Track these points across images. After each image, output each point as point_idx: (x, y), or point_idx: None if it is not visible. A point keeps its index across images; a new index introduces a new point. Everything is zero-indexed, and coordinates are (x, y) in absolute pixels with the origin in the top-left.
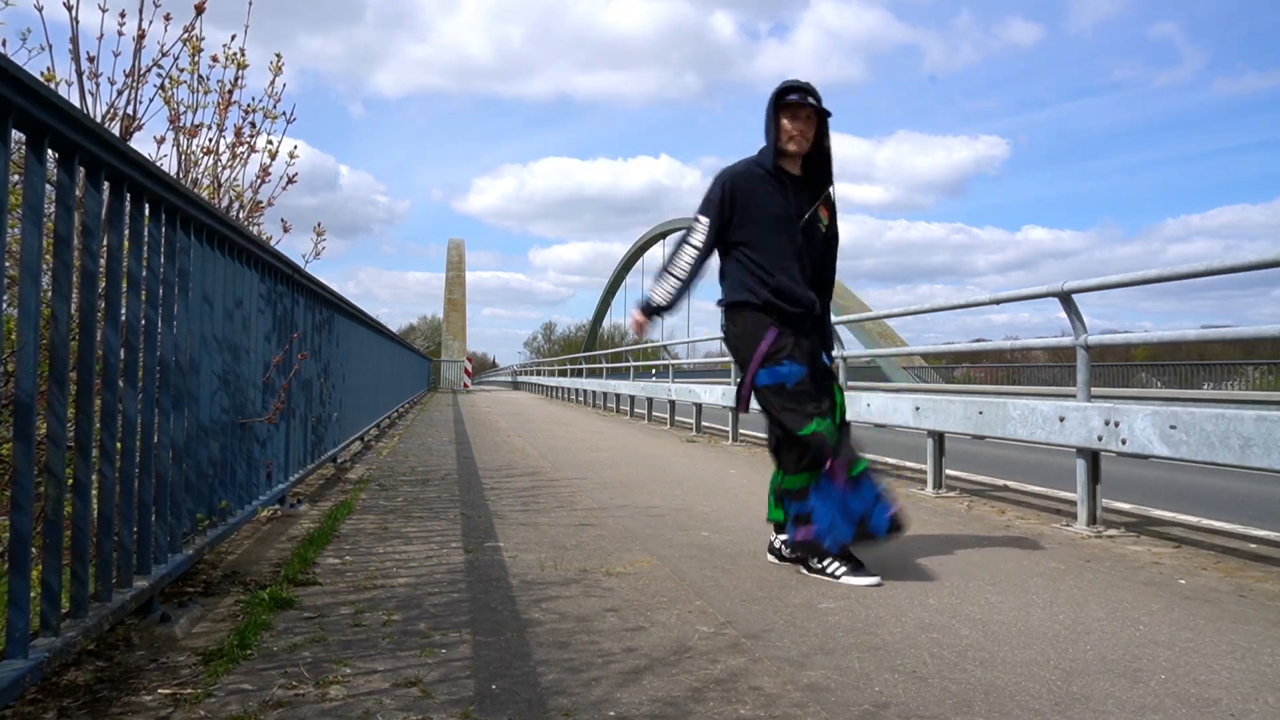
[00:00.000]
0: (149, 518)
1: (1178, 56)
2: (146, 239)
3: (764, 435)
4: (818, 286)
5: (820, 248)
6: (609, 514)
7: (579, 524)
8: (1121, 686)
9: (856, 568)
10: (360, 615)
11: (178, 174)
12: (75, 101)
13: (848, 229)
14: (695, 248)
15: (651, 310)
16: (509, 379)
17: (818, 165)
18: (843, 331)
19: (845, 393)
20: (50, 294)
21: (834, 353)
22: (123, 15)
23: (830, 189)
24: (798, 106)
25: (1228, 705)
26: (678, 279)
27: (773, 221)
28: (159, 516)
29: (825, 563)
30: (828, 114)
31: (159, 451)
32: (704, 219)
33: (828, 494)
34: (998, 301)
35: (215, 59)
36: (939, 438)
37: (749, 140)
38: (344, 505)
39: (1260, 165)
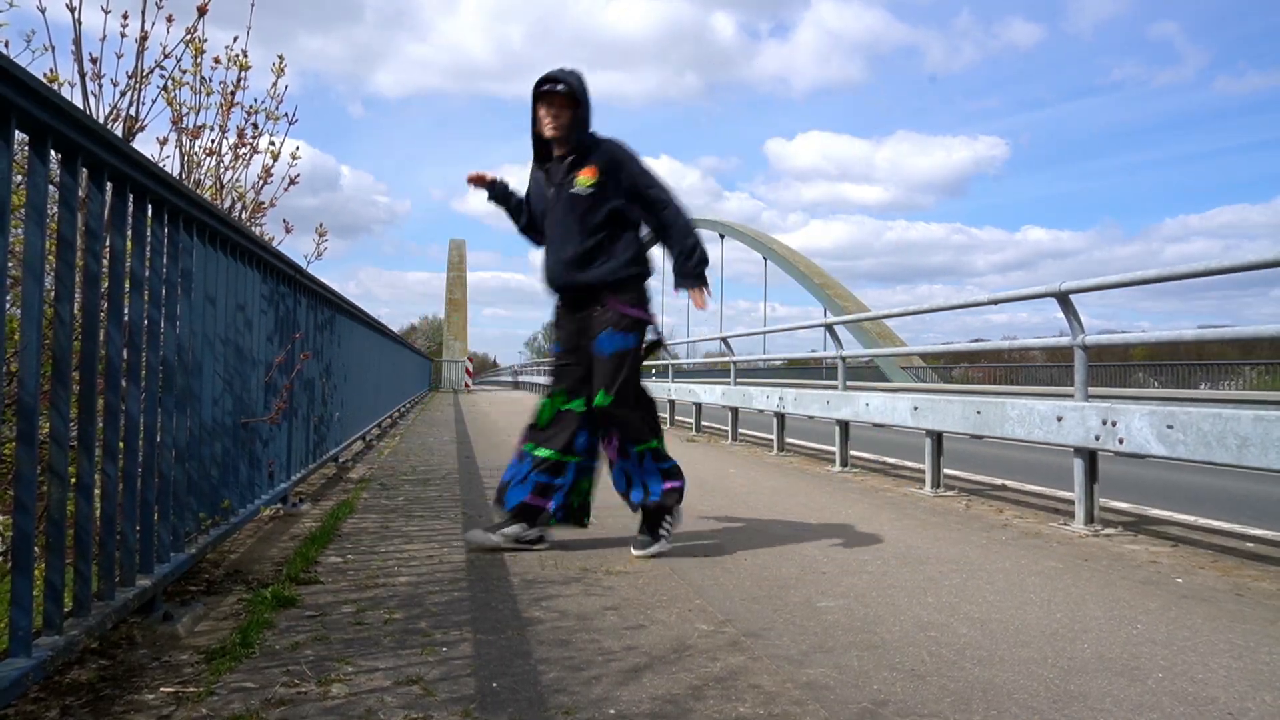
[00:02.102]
0: (151, 516)
1: (1178, 56)
2: (149, 240)
3: (764, 435)
4: (579, 259)
5: (581, 213)
6: (609, 513)
7: None
8: (1119, 685)
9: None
10: (362, 614)
11: (180, 175)
12: (78, 103)
13: (846, 229)
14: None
15: (494, 185)
16: (510, 379)
17: (578, 137)
18: (842, 332)
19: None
20: (53, 294)
21: (835, 353)
22: (125, 16)
23: (596, 151)
24: (550, 95)
25: (1225, 703)
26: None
27: (541, 206)
28: (162, 515)
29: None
30: (572, 93)
31: (162, 451)
32: None
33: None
34: (996, 302)
35: (217, 60)
36: (937, 437)
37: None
38: (346, 504)
39: (1260, 165)
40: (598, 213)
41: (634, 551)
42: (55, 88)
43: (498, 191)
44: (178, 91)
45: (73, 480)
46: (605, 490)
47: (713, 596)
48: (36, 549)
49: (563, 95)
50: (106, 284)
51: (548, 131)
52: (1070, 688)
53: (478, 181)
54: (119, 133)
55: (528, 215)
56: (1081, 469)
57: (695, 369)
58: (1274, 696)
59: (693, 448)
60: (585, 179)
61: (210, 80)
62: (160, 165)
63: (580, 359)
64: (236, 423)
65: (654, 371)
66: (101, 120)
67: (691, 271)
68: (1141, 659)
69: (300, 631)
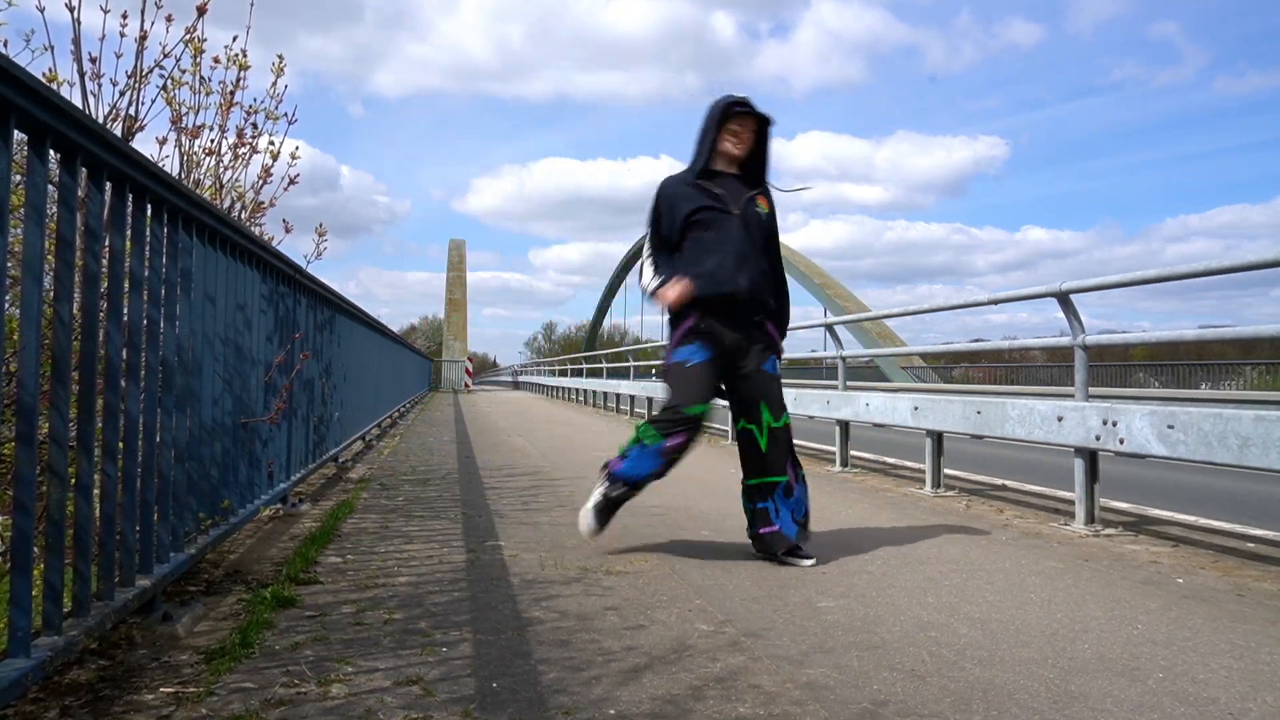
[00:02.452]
0: (151, 517)
1: (1178, 56)
2: (148, 239)
3: None
4: (761, 278)
5: (761, 238)
6: None
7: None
8: (1120, 685)
9: (602, 521)
10: (362, 614)
11: (180, 175)
12: (77, 102)
13: (846, 229)
14: (658, 255)
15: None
16: (510, 379)
17: (754, 167)
18: (842, 332)
19: (787, 413)
20: (52, 294)
21: (835, 353)
22: (124, 16)
23: (766, 187)
24: (744, 115)
25: (1225, 704)
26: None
27: (702, 218)
28: (161, 515)
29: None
30: (770, 121)
31: (161, 450)
32: (648, 230)
33: (645, 457)
34: (996, 302)
35: (217, 60)
36: (938, 437)
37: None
38: (345, 504)
39: (1260, 165)
40: (767, 241)
41: (807, 564)
42: (54, 87)
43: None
44: (177, 91)
45: (72, 480)
46: None
47: (713, 596)
48: (36, 549)
49: (758, 118)
50: (106, 284)
51: (738, 149)
52: (1071, 688)
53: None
54: (118, 132)
55: (674, 232)
56: (1082, 469)
57: None
58: (1275, 697)
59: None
60: (764, 206)
61: (210, 80)
62: (160, 165)
63: (719, 372)
64: (236, 423)
65: (654, 372)
66: (101, 120)
67: (784, 334)
68: (1142, 659)
69: (300, 632)
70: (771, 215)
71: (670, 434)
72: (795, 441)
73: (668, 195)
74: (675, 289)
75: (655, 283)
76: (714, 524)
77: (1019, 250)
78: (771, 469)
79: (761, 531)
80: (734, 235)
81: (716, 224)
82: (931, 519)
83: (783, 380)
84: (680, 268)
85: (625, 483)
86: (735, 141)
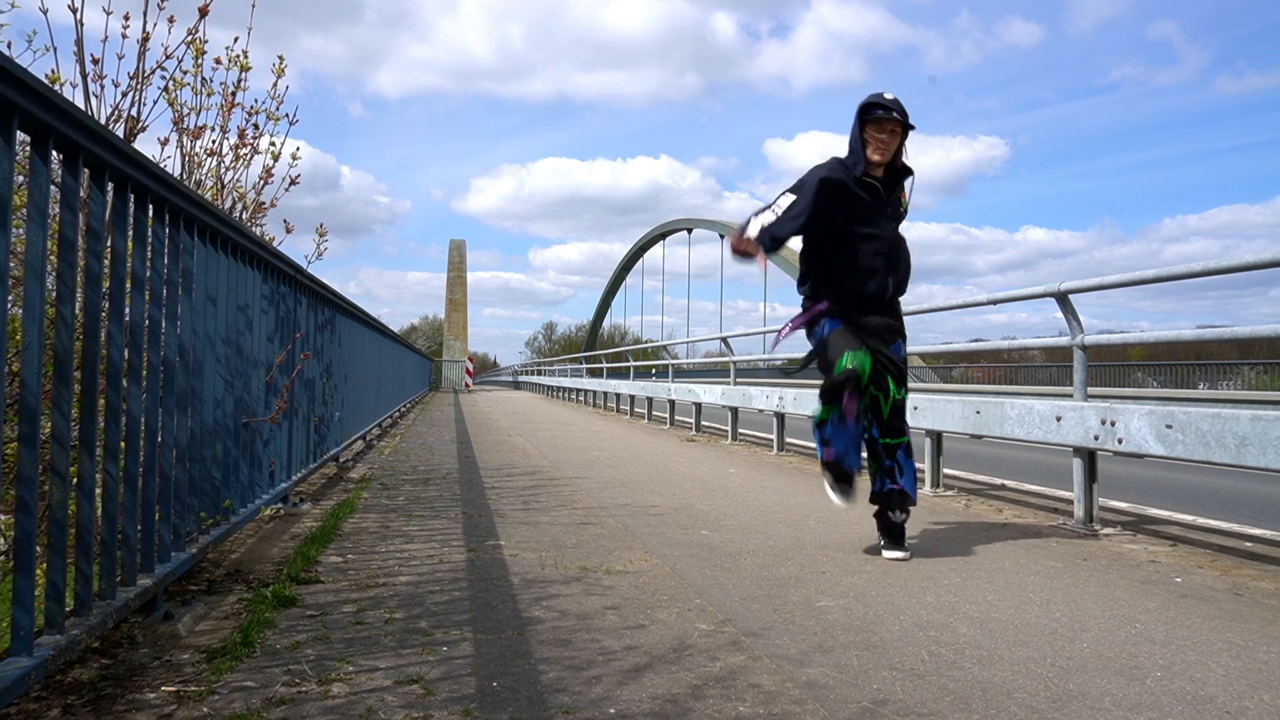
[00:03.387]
0: (153, 516)
1: (1178, 56)
2: (150, 240)
3: (764, 435)
4: (896, 275)
5: (898, 235)
6: (609, 513)
7: (579, 523)
8: (1118, 684)
9: (845, 492)
10: (362, 613)
11: (181, 175)
12: (79, 103)
13: None
14: (789, 224)
15: (767, 241)
16: (510, 379)
17: (895, 167)
18: None
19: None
20: (55, 294)
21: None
22: (127, 17)
23: (908, 181)
24: (883, 120)
25: (1223, 702)
26: (776, 216)
27: (859, 222)
28: (163, 515)
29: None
30: (911, 128)
31: (163, 450)
32: (796, 197)
33: (841, 428)
34: (995, 302)
35: (218, 61)
36: (937, 437)
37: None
38: (346, 504)
39: (1258, 165)
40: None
41: (891, 554)
42: (57, 88)
43: (774, 248)
44: (179, 92)
45: (74, 480)
46: (603, 489)
47: (713, 596)
48: (38, 548)
49: (898, 123)
50: (108, 284)
51: (879, 155)
52: (1069, 687)
53: (755, 254)
54: (120, 133)
55: (806, 218)
56: (1081, 469)
57: (695, 369)
58: (1272, 695)
59: (692, 448)
60: (904, 200)
61: (211, 81)
62: (161, 166)
63: (856, 334)
64: (237, 423)
65: (654, 372)
66: (103, 121)
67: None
68: (1140, 658)
69: (301, 631)
70: (906, 208)
71: (834, 401)
72: (793, 440)
73: (832, 189)
74: (747, 242)
75: (757, 228)
76: (714, 524)
77: (1019, 250)
78: (895, 432)
79: (890, 488)
80: (887, 239)
81: (872, 227)
82: (931, 519)
83: (793, 381)
84: (827, 275)
85: (836, 459)
86: (880, 148)
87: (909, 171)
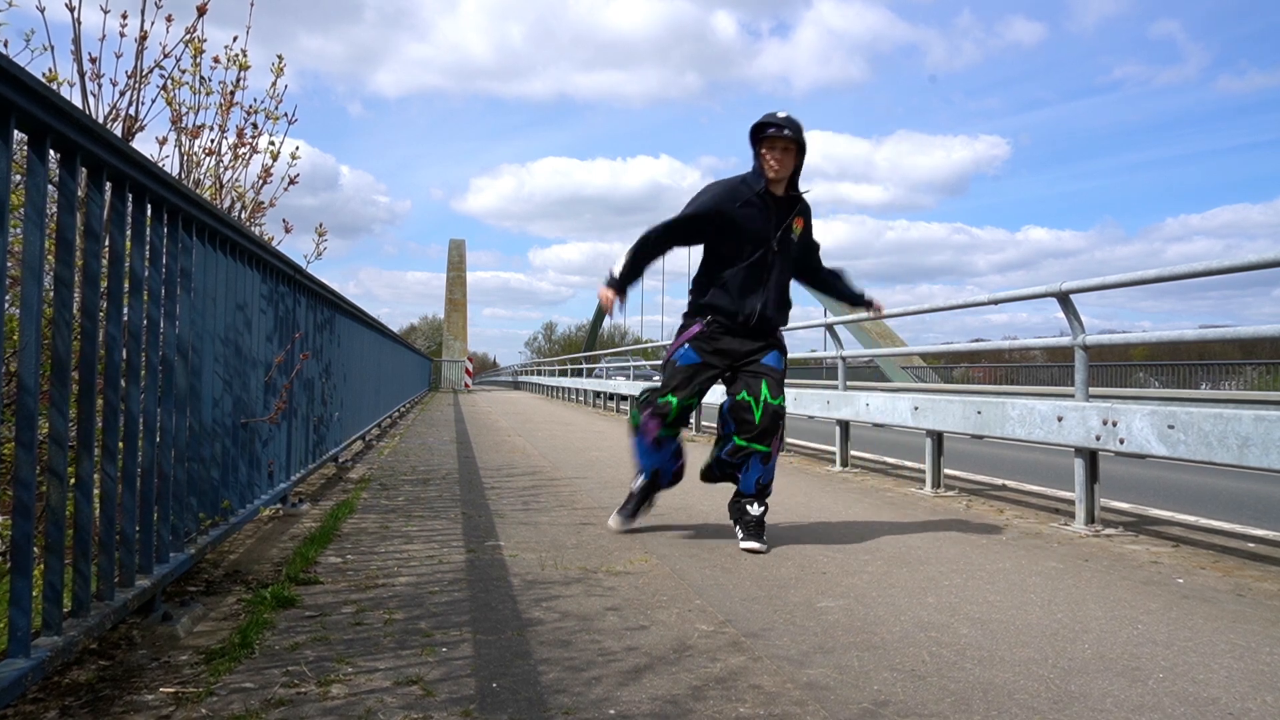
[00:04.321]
0: (151, 517)
1: (1180, 55)
2: (148, 239)
3: None
4: (779, 295)
5: (791, 259)
6: (609, 513)
7: (580, 523)
8: (1120, 685)
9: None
10: (362, 614)
11: (180, 175)
12: (77, 102)
13: (848, 229)
14: (663, 229)
15: (613, 283)
16: (510, 379)
17: (792, 184)
18: (842, 331)
19: (783, 397)
20: (52, 294)
21: (835, 353)
22: (124, 16)
23: (801, 204)
24: (775, 139)
25: (1226, 704)
26: (633, 253)
27: (750, 239)
28: (161, 515)
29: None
30: (800, 143)
31: (161, 451)
32: (684, 213)
33: (642, 444)
34: (996, 302)
35: (217, 60)
36: (938, 437)
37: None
38: (345, 504)
39: (1259, 164)
40: (792, 259)
41: (747, 546)
42: (54, 87)
43: (630, 284)
44: (177, 91)
45: (72, 480)
46: (603, 489)
47: (713, 597)
48: (36, 549)
49: (790, 140)
50: (106, 284)
51: (771, 173)
52: (1071, 688)
53: (613, 304)
54: (118, 132)
55: (691, 231)
56: (1082, 469)
57: None
58: (1275, 697)
59: (693, 448)
60: (797, 228)
61: (210, 80)
62: (159, 165)
63: (718, 374)
64: (236, 423)
65: (654, 373)
66: (101, 120)
67: (864, 297)
68: (1142, 659)
69: (300, 632)
70: (801, 234)
71: (646, 410)
72: (794, 441)
73: (728, 204)
74: (606, 293)
75: (610, 275)
76: (714, 524)
77: (1020, 250)
78: (761, 438)
79: (740, 486)
80: (773, 259)
81: (760, 246)
82: (932, 519)
83: (793, 381)
84: (708, 286)
85: (641, 471)
86: (775, 166)
87: (799, 199)
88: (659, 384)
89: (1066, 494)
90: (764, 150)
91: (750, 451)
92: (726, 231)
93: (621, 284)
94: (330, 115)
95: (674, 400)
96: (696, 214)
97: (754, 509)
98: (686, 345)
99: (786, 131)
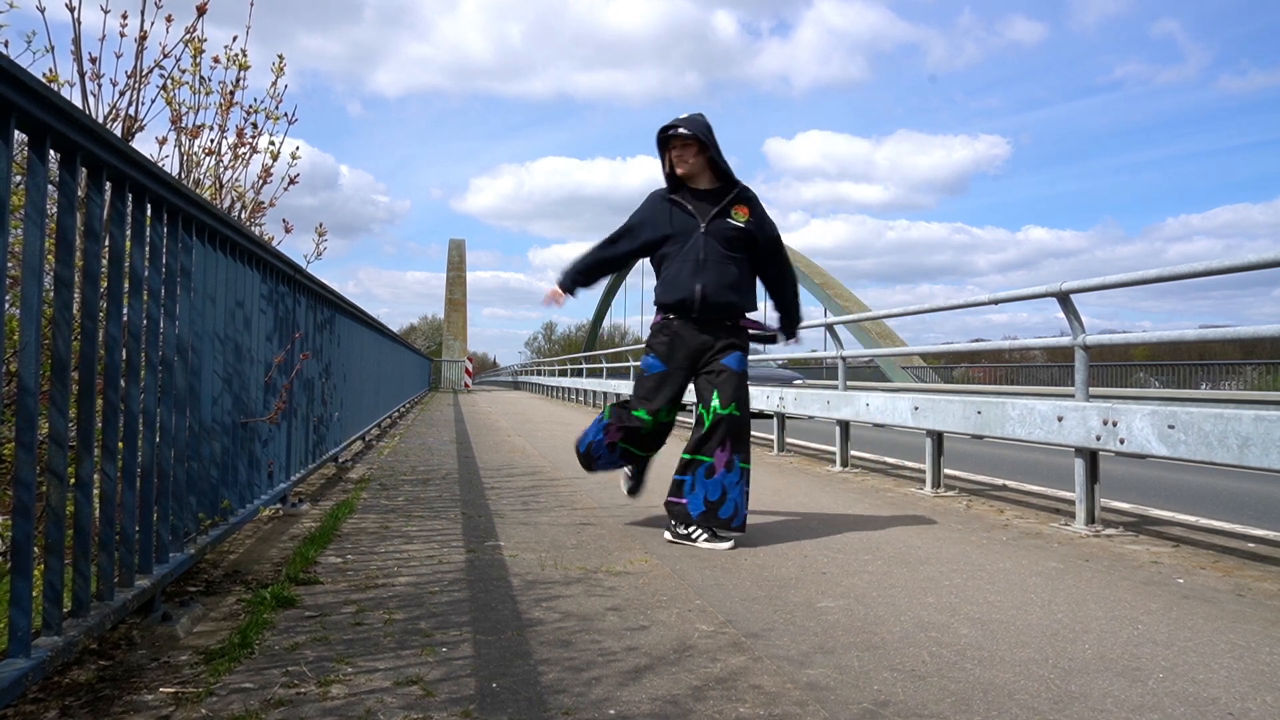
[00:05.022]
0: (151, 517)
1: (1181, 54)
2: (148, 239)
3: (764, 436)
4: (719, 276)
5: (734, 246)
6: (609, 513)
7: (580, 523)
8: (1120, 685)
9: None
10: (362, 614)
11: (180, 174)
12: (77, 102)
13: (848, 229)
14: (606, 244)
15: (561, 282)
16: (509, 379)
17: (721, 175)
18: (842, 332)
19: (731, 403)
20: (52, 294)
21: (836, 353)
22: (124, 16)
23: (737, 191)
24: (673, 139)
25: (1226, 704)
26: (580, 263)
27: (680, 233)
28: (161, 515)
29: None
30: (697, 137)
31: (161, 451)
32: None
33: (600, 445)
34: (996, 302)
35: (217, 60)
36: (938, 437)
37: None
38: (345, 504)
39: (1261, 164)
40: (742, 246)
41: (714, 544)
42: (55, 87)
43: (577, 284)
44: (177, 91)
45: (72, 480)
46: (603, 490)
47: (713, 597)
48: (36, 549)
49: (685, 137)
50: (106, 283)
51: (680, 170)
52: (1071, 688)
53: (559, 300)
54: (118, 132)
55: (632, 245)
56: (1082, 469)
57: None
58: (1275, 697)
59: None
60: (741, 215)
61: (209, 80)
62: (159, 165)
63: (685, 375)
64: (236, 422)
65: None
66: (101, 120)
67: (795, 329)
68: (1142, 659)
69: (300, 632)
70: (748, 222)
71: (615, 416)
72: (794, 440)
73: (649, 212)
74: (550, 291)
75: (560, 275)
76: None
77: (1020, 250)
78: (703, 449)
79: (670, 500)
80: (699, 249)
81: (685, 240)
82: (932, 519)
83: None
84: (659, 285)
85: (577, 447)
86: (680, 163)
87: (734, 187)
88: (632, 395)
89: (1067, 494)
90: (668, 153)
91: (696, 463)
92: (659, 238)
93: (568, 284)
94: (330, 115)
95: (646, 416)
96: (624, 226)
97: (700, 539)
98: (651, 354)
99: (682, 130)
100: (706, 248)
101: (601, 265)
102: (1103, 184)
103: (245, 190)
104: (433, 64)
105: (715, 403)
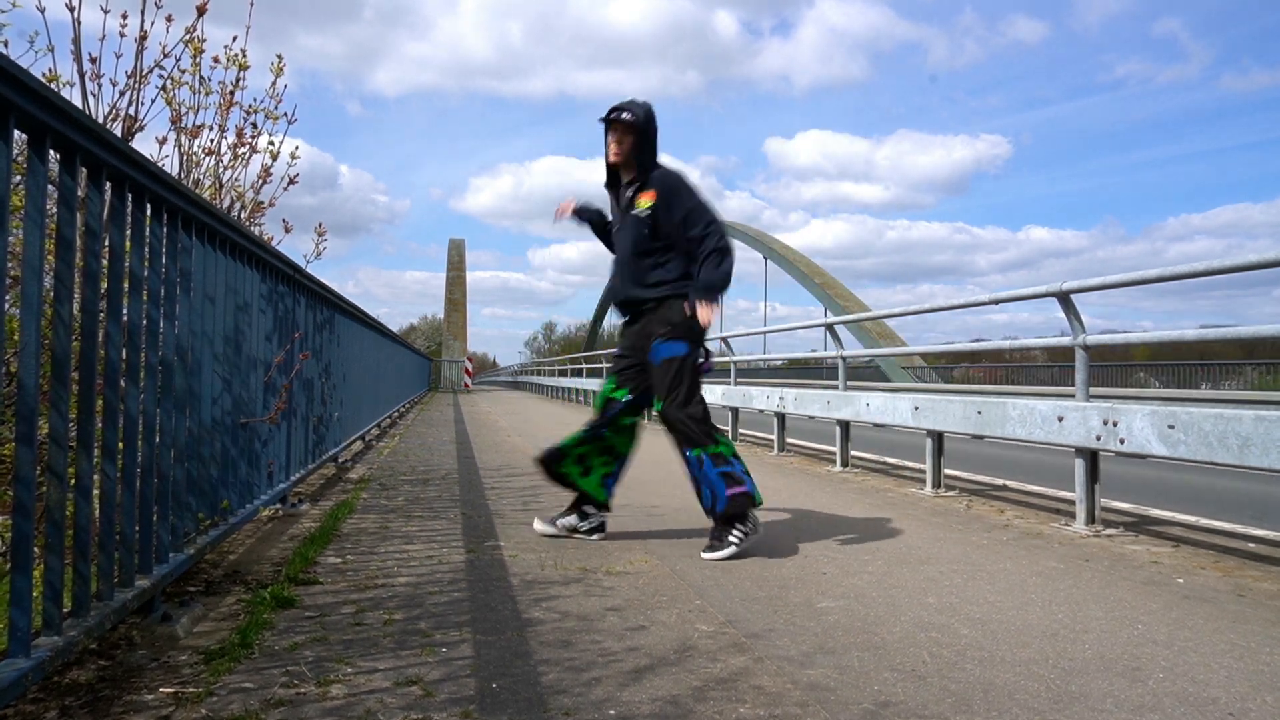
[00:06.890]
0: (150, 517)
1: (1183, 53)
2: (148, 239)
3: (765, 436)
4: (633, 271)
5: (647, 236)
6: (609, 513)
7: None
8: (1120, 685)
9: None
10: (362, 614)
11: (179, 174)
12: (77, 102)
13: (848, 228)
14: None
15: (580, 211)
16: (509, 379)
17: (645, 166)
18: (843, 331)
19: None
20: (53, 294)
21: (836, 353)
22: (124, 16)
23: (645, 179)
24: (611, 123)
25: (1226, 704)
26: (599, 216)
27: (612, 227)
28: (161, 515)
29: None
30: (636, 125)
31: (161, 451)
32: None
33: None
34: (997, 301)
35: (216, 60)
36: (938, 437)
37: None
38: (345, 505)
39: (1263, 164)
40: (652, 234)
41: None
42: (54, 87)
43: (589, 216)
44: (177, 91)
45: (72, 480)
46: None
47: (713, 597)
48: (36, 549)
49: (625, 123)
50: (106, 283)
51: (610, 156)
52: (1071, 688)
53: (566, 212)
54: (118, 132)
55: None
56: (1083, 469)
57: None
58: (1275, 697)
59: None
60: (644, 202)
61: (209, 80)
62: (159, 165)
63: (638, 362)
64: (236, 422)
65: None
66: (100, 120)
67: (701, 292)
68: (1142, 660)
69: (299, 632)
70: (653, 208)
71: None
72: (794, 441)
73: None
74: (567, 202)
75: (587, 203)
76: None
77: (1021, 249)
78: (683, 446)
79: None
80: (619, 242)
81: (616, 233)
82: (932, 519)
83: (794, 381)
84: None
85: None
86: (614, 148)
87: (646, 175)
88: None
89: (1067, 494)
90: (607, 138)
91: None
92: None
93: (584, 214)
94: (329, 114)
95: (603, 386)
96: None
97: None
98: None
99: (625, 115)
100: (622, 243)
101: (604, 236)
102: (1104, 183)
103: (245, 190)
104: (432, 63)
105: (657, 404)
